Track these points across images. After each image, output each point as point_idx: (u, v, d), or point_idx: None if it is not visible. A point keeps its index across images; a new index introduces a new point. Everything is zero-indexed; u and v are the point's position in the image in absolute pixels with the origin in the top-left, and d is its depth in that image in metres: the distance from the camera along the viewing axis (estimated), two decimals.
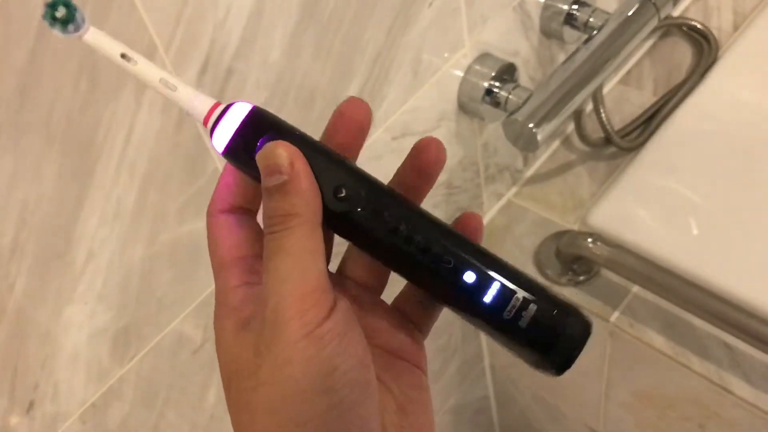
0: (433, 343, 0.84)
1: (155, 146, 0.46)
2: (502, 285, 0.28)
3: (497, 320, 0.28)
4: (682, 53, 0.90)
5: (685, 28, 0.90)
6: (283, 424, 0.26)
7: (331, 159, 0.28)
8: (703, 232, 0.73)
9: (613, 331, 0.74)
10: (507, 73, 0.68)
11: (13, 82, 0.37)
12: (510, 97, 0.66)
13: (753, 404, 0.67)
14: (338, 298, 0.27)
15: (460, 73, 0.67)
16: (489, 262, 0.29)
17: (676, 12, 0.90)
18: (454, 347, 0.89)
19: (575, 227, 0.80)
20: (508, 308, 0.28)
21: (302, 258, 0.27)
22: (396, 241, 0.29)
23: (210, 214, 0.30)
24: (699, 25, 0.89)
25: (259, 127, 0.28)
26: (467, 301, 0.29)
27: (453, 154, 0.72)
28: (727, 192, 0.76)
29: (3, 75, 0.37)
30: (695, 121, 0.82)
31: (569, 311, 0.29)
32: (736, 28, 0.91)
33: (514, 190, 0.85)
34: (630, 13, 0.68)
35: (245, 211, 0.30)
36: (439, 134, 0.69)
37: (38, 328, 0.46)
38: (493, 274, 0.28)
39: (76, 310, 0.47)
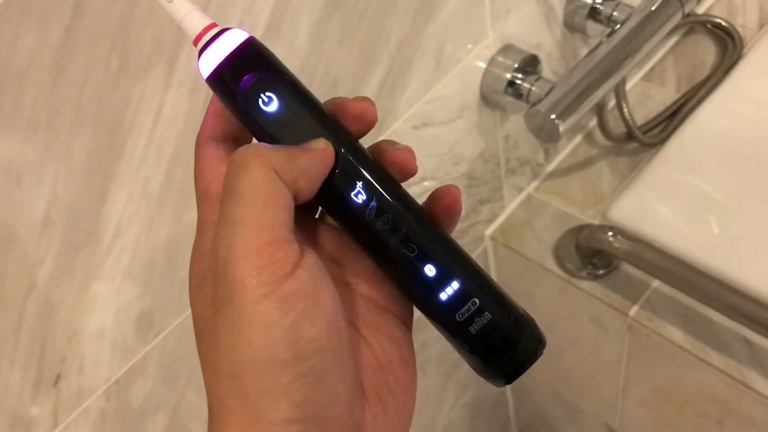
0: None
1: (183, 127, 0.46)
2: (461, 287, 0.27)
3: (448, 320, 0.27)
4: (706, 50, 0.90)
5: (709, 26, 0.90)
6: (245, 392, 0.23)
7: (313, 110, 0.27)
8: (723, 228, 0.73)
9: (632, 326, 0.74)
10: (530, 65, 0.68)
11: (48, 59, 0.39)
12: (532, 89, 0.67)
13: None
14: (305, 252, 0.25)
15: (482, 64, 0.67)
16: (453, 259, 0.27)
17: (701, 9, 0.90)
18: None
19: (595, 222, 0.80)
20: (462, 311, 0.27)
21: (257, 204, 0.24)
22: (361, 214, 0.27)
23: (198, 143, 0.28)
24: (724, 23, 0.88)
25: (250, 61, 0.27)
26: (421, 293, 0.27)
27: (474, 146, 0.73)
28: (747, 189, 0.75)
29: (39, 51, 0.38)
30: (718, 118, 0.81)
31: (524, 326, 0.28)
32: (761, 26, 0.90)
33: (534, 184, 0.86)
34: (654, 8, 0.68)
35: (235, 139, 0.28)
36: (461, 125, 0.69)
37: (66, 303, 0.47)
38: (455, 273, 0.27)
39: (102, 286, 0.48)
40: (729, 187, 0.76)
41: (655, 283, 0.75)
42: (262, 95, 0.27)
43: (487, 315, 0.27)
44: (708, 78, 0.86)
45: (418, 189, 0.65)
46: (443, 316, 0.27)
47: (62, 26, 0.38)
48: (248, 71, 0.27)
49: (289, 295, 0.23)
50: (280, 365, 0.23)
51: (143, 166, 0.46)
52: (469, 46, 0.65)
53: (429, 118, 0.65)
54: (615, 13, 0.70)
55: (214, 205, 0.27)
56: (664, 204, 0.76)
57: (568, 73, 0.67)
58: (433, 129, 0.66)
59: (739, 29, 0.88)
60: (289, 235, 0.24)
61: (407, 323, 0.29)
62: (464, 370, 0.92)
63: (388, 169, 0.28)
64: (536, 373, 0.96)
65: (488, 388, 0.98)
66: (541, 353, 0.28)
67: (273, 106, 0.27)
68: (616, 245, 0.72)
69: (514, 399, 1.04)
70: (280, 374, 0.23)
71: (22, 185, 0.41)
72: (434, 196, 0.28)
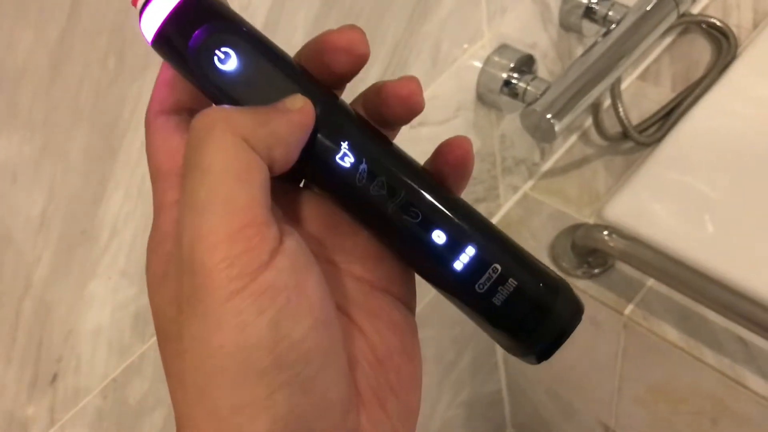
0: (447, 333, 0.84)
1: None
2: (478, 252, 0.23)
3: (467, 293, 0.23)
4: (701, 50, 0.90)
5: (704, 26, 0.90)
6: (216, 408, 0.19)
7: (280, 63, 0.23)
8: (718, 227, 0.73)
9: (627, 324, 0.74)
10: (525, 64, 0.68)
11: (45, 58, 0.39)
12: (528, 88, 0.67)
13: (767, 398, 0.67)
14: (285, 233, 0.21)
15: (478, 64, 0.67)
16: (465, 220, 0.23)
17: (696, 9, 0.90)
18: (467, 338, 0.89)
19: (591, 221, 0.80)
20: (482, 280, 0.23)
21: (227, 180, 0.20)
22: (350, 180, 0.23)
23: (147, 118, 0.24)
24: (718, 23, 0.89)
25: (198, 14, 0.23)
26: (431, 265, 0.23)
27: None
28: (743, 188, 0.76)
29: (36, 50, 0.38)
30: (713, 117, 0.82)
31: (557, 290, 0.24)
32: (755, 25, 0.90)
33: (530, 183, 0.86)
34: (649, 8, 0.69)
35: (189, 111, 0.24)
36: (457, 124, 0.70)
37: (63, 302, 0.47)
38: (468, 237, 0.23)
39: (99, 285, 0.48)
40: (724, 186, 0.76)
41: (650, 282, 0.75)
42: (217, 52, 0.23)
43: (512, 282, 0.23)
44: (703, 77, 0.86)
45: None
46: (460, 289, 0.23)
47: (59, 25, 0.38)
48: (197, 26, 0.23)
49: (267, 289, 0.19)
50: (257, 374, 0.19)
51: (140, 165, 0.46)
52: (465, 45, 0.65)
53: (425, 117, 0.65)
54: (610, 13, 0.71)
55: (167, 183, 0.23)
56: (659, 203, 0.76)
57: (564, 72, 0.67)
58: (430, 128, 0.66)
59: (734, 29, 0.88)
60: (266, 216, 0.20)
61: (410, 305, 0.25)
62: (460, 368, 0.92)
63: (389, 107, 0.24)
64: (532, 371, 0.97)
65: (484, 387, 0.99)
66: (579, 321, 0.24)
67: (231, 64, 0.23)
68: (612, 244, 0.72)
69: (510, 398, 1.05)
70: (258, 385, 0.19)
71: (18, 184, 0.41)
72: (441, 151, 0.24)
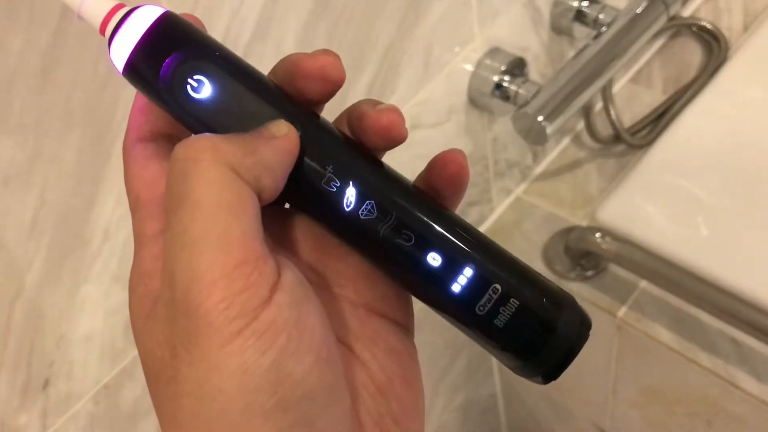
0: (440, 337, 0.84)
1: None
2: (476, 272, 0.22)
3: (467, 316, 0.22)
4: (692, 53, 0.91)
5: (695, 29, 0.91)
6: None
7: (258, 87, 0.22)
8: (710, 228, 0.73)
9: (621, 326, 0.74)
10: (517, 67, 0.68)
11: (36, 63, 0.39)
12: (519, 91, 0.67)
13: (760, 399, 0.67)
14: (282, 265, 0.20)
15: (470, 67, 0.68)
16: (461, 240, 0.22)
17: (687, 12, 0.91)
18: (462, 342, 0.89)
19: (584, 223, 0.80)
20: (482, 302, 0.22)
21: (219, 214, 0.19)
22: (338, 205, 0.22)
23: (124, 147, 0.23)
24: (709, 26, 0.89)
25: (168, 41, 0.22)
26: (428, 289, 0.22)
27: (462, 148, 0.73)
28: (734, 190, 0.76)
29: (27, 55, 0.38)
30: (704, 119, 0.82)
31: (562, 306, 0.23)
32: (746, 28, 0.91)
33: (523, 186, 0.86)
34: (639, 10, 0.69)
35: (167, 138, 0.23)
36: (449, 128, 0.70)
37: (54, 307, 0.47)
38: (465, 257, 0.22)
39: (91, 289, 0.48)
40: (716, 188, 0.77)
41: (643, 283, 0.75)
42: (189, 80, 0.22)
43: (514, 302, 0.22)
44: (694, 80, 0.87)
45: None
46: (459, 312, 0.22)
47: (50, 28, 0.38)
48: (167, 54, 0.22)
49: (268, 328, 0.19)
50: (261, 417, 0.18)
51: None
52: (457, 48, 0.65)
53: (417, 120, 0.66)
54: (601, 16, 0.71)
55: (146, 213, 0.22)
56: (651, 205, 0.76)
57: (555, 75, 0.67)
58: (422, 131, 0.67)
59: (724, 32, 0.89)
60: (262, 249, 0.19)
61: (407, 326, 0.24)
62: (455, 372, 0.92)
63: (370, 137, 0.22)
64: None
65: (479, 391, 0.99)
66: (587, 337, 0.23)
67: (206, 91, 0.22)
68: (605, 246, 0.72)
69: (505, 402, 1.04)
70: (263, 428, 0.18)
71: (9, 189, 0.41)
72: (435, 165, 0.23)
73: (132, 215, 0.23)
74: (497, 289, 0.22)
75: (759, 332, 0.65)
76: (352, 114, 0.23)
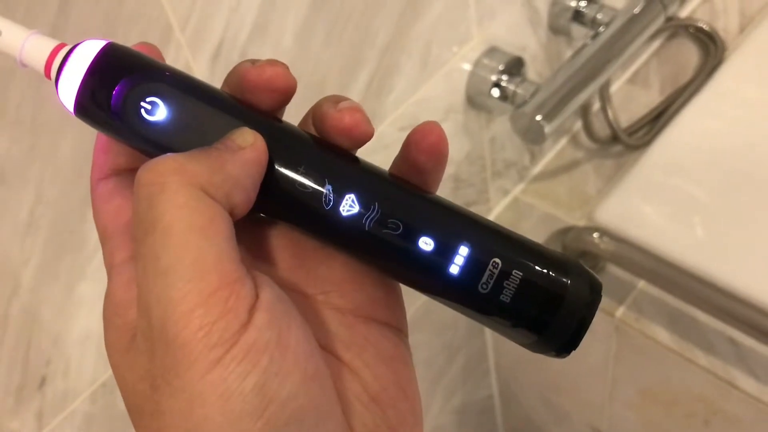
0: (437, 338, 0.84)
1: None
2: (473, 249, 0.21)
3: (471, 297, 0.21)
4: (689, 54, 0.91)
5: (691, 30, 0.91)
6: None
7: (214, 99, 0.22)
8: (708, 229, 0.74)
9: (619, 327, 0.74)
10: (515, 67, 0.68)
11: None
12: (517, 90, 0.67)
13: (758, 399, 0.67)
14: (259, 284, 0.19)
15: (468, 66, 0.68)
16: (450, 218, 0.21)
17: (683, 13, 0.91)
18: (459, 343, 0.89)
19: (581, 224, 0.80)
20: (484, 279, 0.21)
21: (192, 239, 0.18)
22: (317, 207, 0.21)
23: (91, 186, 0.23)
24: (705, 27, 0.89)
25: (114, 71, 0.21)
26: (425, 277, 0.21)
27: (460, 148, 0.73)
28: (731, 190, 0.76)
29: None
30: (701, 120, 0.82)
31: (568, 270, 0.22)
32: (742, 29, 0.91)
33: (521, 186, 0.86)
34: (637, 11, 0.69)
35: (129, 172, 0.23)
36: (447, 127, 0.70)
37: (51, 304, 0.46)
38: (459, 235, 0.21)
39: (87, 287, 0.48)
40: (713, 188, 0.77)
41: (641, 284, 0.75)
42: (142, 104, 0.21)
43: (517, 274, 0.21)
44: (691, 81, 0.87)
45: None
46: (462, 295, 0.21)
47: (47, 24, 0.38)
48: (115, 82, 0.21)
49: (248, 351, 0.18)
50: None
51: None
52: (455, 48, 0.65)
53: (415, 119, 0.65)
54: (599, 16, 0.71)
55: (114, 243, 0.22)
56: (649, 205, 0.76)
57: (553, 75, 0.67)
58: None
59: (721, 33, 0.89)
60: (238, 271, 0.19)
61: (399, 328, 0.23)
62: (451, 374, 0.92)
63: (335, 138, 0.22)
64: (523, 376, 0.96)
65: (476, 392, 0.99)
66: (599, 299, 0.22)
67: (161, 113, 0.21)
68: (602, 246, 0.72)
69: (502, 403, 1.04)
70: None
71: (6, 185, 0.41)
72: (413, 140, 0.22)
73: (102, 249, 0.22)
74: (497, 264, 0.21)
75: (757, 332, 0.65)
76: (315, 115, 0.22)
